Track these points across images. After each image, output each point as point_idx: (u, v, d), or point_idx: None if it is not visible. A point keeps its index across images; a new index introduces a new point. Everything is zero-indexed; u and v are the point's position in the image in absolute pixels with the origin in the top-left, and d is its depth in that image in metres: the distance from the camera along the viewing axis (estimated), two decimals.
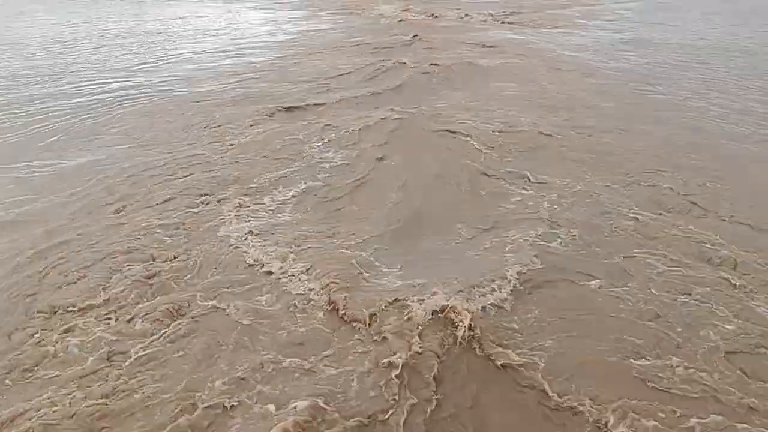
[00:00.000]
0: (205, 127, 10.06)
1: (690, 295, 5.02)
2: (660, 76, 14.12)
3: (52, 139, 9.44)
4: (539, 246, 5.86)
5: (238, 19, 28.55)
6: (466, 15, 28.26)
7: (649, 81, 13.50)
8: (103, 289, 5.12)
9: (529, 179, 7.64)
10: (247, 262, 5.63)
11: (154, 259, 5.63)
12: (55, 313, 4.80)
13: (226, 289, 5.19)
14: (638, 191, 7.28)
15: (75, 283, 5.23)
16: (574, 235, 6.08)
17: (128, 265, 5.49)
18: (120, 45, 19.57)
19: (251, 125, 10.17)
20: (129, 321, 4.71)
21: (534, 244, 5.89)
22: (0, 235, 6.12)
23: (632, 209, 6.71)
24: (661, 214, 6.64)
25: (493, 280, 5.18)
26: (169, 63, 16.34)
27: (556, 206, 6.82)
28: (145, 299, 5.01)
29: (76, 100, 11.89)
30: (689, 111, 10.99)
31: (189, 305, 4.95)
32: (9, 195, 7.13)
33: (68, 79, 14.01)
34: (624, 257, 5.64)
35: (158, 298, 5.04)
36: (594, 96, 12.13)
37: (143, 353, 4.33)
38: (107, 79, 14.04)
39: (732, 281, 5.23)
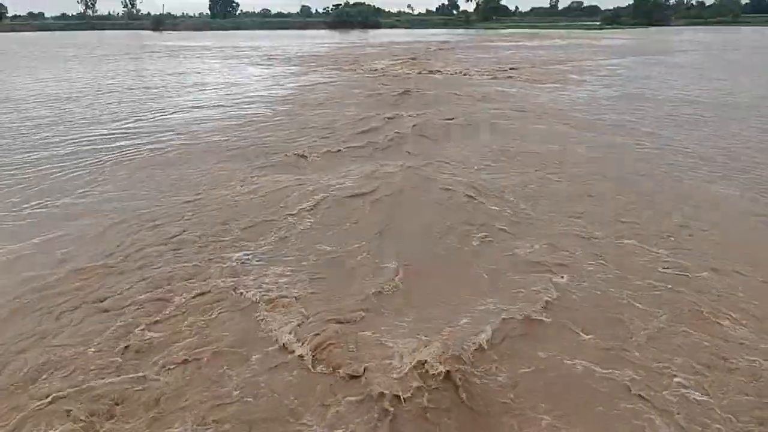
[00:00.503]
0: (202, 178, 9.90)
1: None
2: (650, 128, 14.12)
3: (40, 190, 9.19)
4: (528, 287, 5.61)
5: (237, 75, 28.90)
6: (462, 71, 28.67)
7: (639, 133, 13.51)
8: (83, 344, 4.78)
9: (520, 231, 7.41)
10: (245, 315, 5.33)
11: (134, 318, 5.29)
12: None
13: (216, 343, 4.87)
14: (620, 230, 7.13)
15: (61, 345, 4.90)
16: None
17: (114, 317, 5.17)
18: (117, 99, 19.63)
19: (248, 177, 10.01)
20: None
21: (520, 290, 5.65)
22: None
23: (613, 245, 6.52)
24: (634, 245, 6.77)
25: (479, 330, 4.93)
26: (166, 116, 16.32)
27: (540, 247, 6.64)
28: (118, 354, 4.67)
29: (68, 152, 11.74)
30: (682, 161, 10.88)
31: (167, 362, 4.63)
32: None
33: (61, 131, 13.94)
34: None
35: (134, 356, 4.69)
36: (584, 148, 12.05)
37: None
38: (102, 131, 13.95)
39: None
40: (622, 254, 6.62)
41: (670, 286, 5.78)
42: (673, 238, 7.04)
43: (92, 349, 4.74)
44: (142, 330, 5.04)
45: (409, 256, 6.65)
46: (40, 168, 10.42)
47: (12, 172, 10.17)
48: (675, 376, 4.39)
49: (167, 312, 5.36)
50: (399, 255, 6.65)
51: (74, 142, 12.55)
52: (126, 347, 4.79)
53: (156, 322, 5.19)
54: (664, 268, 6.19)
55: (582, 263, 6.38)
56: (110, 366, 4.54)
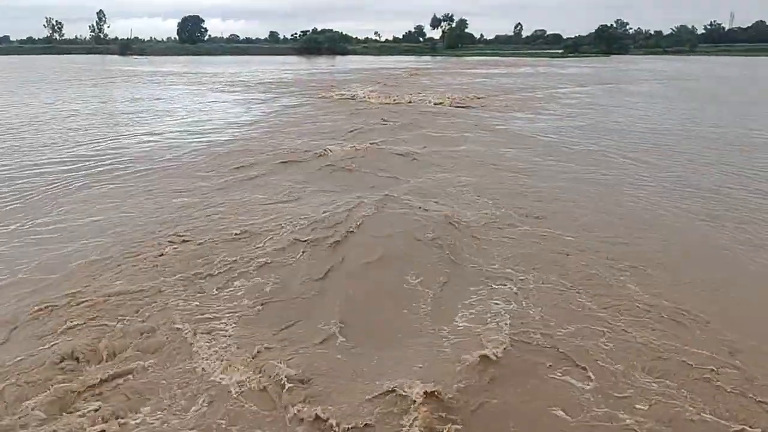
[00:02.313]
0: (169, 206, 9.69)
1: None
2: (618, 157, 14.31)
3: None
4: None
5: (203, 101, 28.55)
6: (432, 99, 28.76)
7: (600, 164, 13.72)
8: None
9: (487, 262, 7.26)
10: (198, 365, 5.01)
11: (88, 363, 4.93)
12: None
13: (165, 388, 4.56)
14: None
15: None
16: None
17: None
18: (79, 126, 19.09)
19: (208, 203, 9.88)
20: None
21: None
22: None
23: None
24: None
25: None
26: (128, 143, 16.01)
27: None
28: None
29: (37, 179, 11.51)
30: (652, 197, 10.92)
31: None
32: None
33: (30, 158, 13.64)
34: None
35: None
36: (564, 181, 12.13)
37: None
38: (69, 158, 13.66)
39: None
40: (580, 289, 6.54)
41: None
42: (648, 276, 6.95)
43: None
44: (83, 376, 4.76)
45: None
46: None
47: None
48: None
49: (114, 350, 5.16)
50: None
51: (41, 172, 12.14)
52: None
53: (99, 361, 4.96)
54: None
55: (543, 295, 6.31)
56: None
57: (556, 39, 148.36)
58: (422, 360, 5.08)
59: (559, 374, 4.87)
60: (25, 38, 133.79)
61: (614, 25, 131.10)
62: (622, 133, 18.50)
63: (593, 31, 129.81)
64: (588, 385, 4.73)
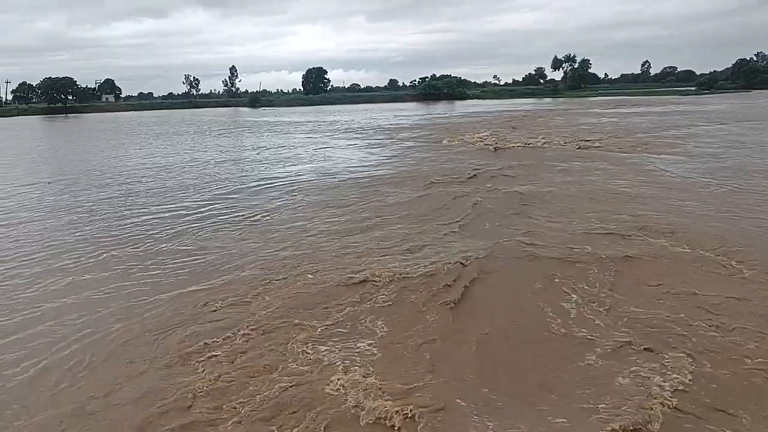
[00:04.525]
0: (301, 241, 10.03)
1: None
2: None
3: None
4: None
5: (329, 146, 29.14)
6: (558, 141, 27.19)
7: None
8: None
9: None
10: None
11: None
12: None
13: None
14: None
15: None
16: None
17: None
18: (213, 173, 19.94)
19: (353, 237, 10.20)
20: None
21: None
22: None
23: None
24: None
25: None
26: (257, 187, 16.54)
27: None
28: None
29: (180, 218, 12.34)
30: None
31: None
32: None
33: (172, 199, 14.70)
34: None
35: None
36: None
37: None
38: (208, 199, 14.62)
39: None
40: None
41: None
42: None
43: None
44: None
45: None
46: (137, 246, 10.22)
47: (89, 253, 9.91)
48: None
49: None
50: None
51: (175, 217, 12.70)
52: None
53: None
54: None
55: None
56: None
57: (688, 76, 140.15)
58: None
59: None
60: (166, 94, 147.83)
61: (754, 59, 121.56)
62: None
63: (729, 66, 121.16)
64: None
